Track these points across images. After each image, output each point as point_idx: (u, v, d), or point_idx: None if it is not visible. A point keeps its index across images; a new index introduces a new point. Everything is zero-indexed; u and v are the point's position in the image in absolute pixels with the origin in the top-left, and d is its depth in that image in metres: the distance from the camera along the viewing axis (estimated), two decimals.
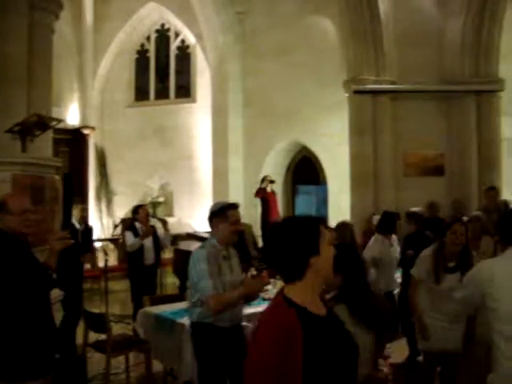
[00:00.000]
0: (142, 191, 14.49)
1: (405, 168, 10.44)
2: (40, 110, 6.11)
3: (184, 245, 8.77)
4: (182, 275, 7.49)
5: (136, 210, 7.25)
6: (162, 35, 15.55)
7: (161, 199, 14.66)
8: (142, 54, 15.66)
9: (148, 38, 15.65)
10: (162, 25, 15.49)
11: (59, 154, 12.11)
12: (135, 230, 7.02)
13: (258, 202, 11.65)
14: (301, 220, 2.06)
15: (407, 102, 10.31)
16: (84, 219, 7.38)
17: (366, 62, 10.24)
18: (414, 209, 6.96)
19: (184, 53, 15.32)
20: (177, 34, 15.35)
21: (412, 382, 4.95)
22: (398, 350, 5.38)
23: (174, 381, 5.04)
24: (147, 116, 14.98)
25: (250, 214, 11.86)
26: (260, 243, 11.07)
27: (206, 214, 3.94)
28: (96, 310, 6.38)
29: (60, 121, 6.24)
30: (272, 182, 11.53)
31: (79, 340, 5.67)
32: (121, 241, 7.27)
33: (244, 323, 4.06)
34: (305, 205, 13.42)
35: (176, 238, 10.48)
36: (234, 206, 3.90)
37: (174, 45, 15.42)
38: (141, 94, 15.60)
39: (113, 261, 10.58)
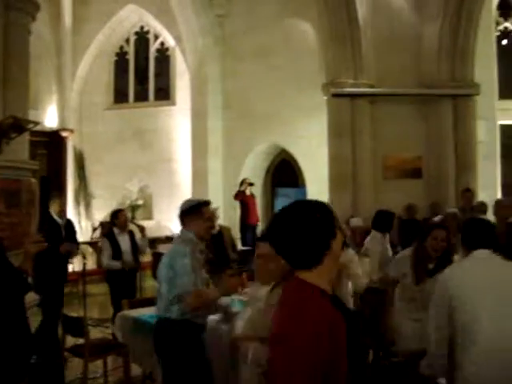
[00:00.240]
0: (121, 194, 14.39)
1: (383, 170, 10.52)
2: (16, 112, 6.05)
3: (163, 248, 8.74)
4: None
5: (115, 214, 7.12)
6: (142, 37, 15.48)
7: (140, 202, 14.58)
8: (121, 56, 15.57)
9: (127, 40, 15.57)
10: (142, 27, 15.42)
11: (37, 156, 11.97)
12: (113, 236, 6.94)
13: (237, 204, 11.66)
14: (316, 203, 1.93)
15: (385, 105, 10.40)
16: (63, 213, 7.26)
17: (345, 66, 10.30)
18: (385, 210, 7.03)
19: (163, 55, 15.26)
20: (156, 37, 15.30)
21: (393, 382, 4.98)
22: None
23: None
24: (126, 118, 14.89)
25: (230, 217, 11.88)
26: (239, 246, 11.06)
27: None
28: (74, 314, 6.32)
29: (37, 123, 6.20)
30: (251, 184, 11.55)
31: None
32: (100, 244, 7.20)
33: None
34: None
35: (155, 242, 10.45)
36: (207, 203, 3.95)
37: (153, 47, 15.36)
38: (120, 96, 15.51)
39: (91, 264, 10.50)
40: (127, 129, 14.74)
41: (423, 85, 10.45)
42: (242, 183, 11.50)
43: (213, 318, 4.10)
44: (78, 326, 5.04)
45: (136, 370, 5.16)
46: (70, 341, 5.31)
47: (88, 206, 14.86)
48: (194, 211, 3.84)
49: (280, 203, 13.48)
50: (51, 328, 6.06)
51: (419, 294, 4.21)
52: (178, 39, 14.26)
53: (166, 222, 13.83)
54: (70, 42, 14.59)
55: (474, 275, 3.06)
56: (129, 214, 9.47)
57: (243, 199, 11.39)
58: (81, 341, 5.15)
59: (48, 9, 13.04)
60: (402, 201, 9.44)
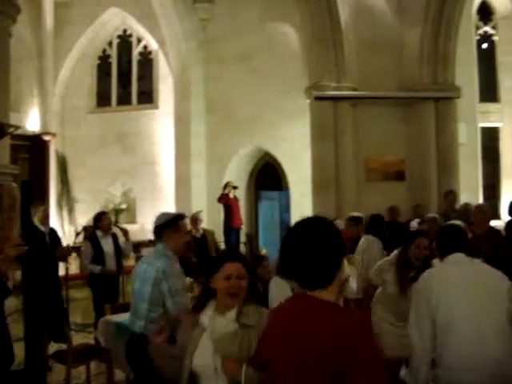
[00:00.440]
0: (104, 198, 14.32)
1: (366, 173, 10.57)
2: None
3: (146, 251, 8.69)
4: None
5: (99, 217, 7.06)
6: (124, 41, 15.42)
7: (123, 206, 14.51)
8: (104, 59, 15.49)
9: (110, 44, 15.49)
10: (124, 30, 15.36)
11: (18, 161, 11.88)
12: (96, 239, 6.89)
13: (220, 207, 11.65)
14: (325, 220, 1.97)
15: (368, 108, 10.47)
16: (46, 220, 7.20)
17: (328, 69, 10.35)
18: (355, 213, 7.05)
19: (146, 59, 15.22)
20: (139, 40, 15.24)
21: None
22: None
23: None
24: (109, 122, 14.81)
25: (213, 220, 11.85)
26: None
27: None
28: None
29: (17, 127, 6.15)
30: (235, 187, 11.54)
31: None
32: (82, 248, 7.14)
33: None
34: (268, 210, 13.48)
35: (138, 246, 10.37)
36: (183, 217, 3.83)
37: (136, 50, 15.31)
38: (102, 99, 15.42)
39: (74, 269, 10.38)
40: (110, 132, 14.66)
41: (405, 88, 10.54)
42: (225, 186, 11.48)
43: None
44: (60, 332, 4.99)
45: (119, 375, 5.12)
46: (53, 347, 5.26)
47: (71, 210, 14.75)
48: (171, 225, 3.72)
49: (264, 206, 13.52)
50: (36, 334, 5.99)
51: (402, 302, 4.17)
52: (161, 43, 14.23)
53: (150, 225, 13.69)
54: (52, 44, 14.50)
55: (449, 277, 3.13)
56: (112, 218, 9.40)
57: (227, 202, 11.38)
58: (64, 346, 5.11)
59: (29, 11, 12.94)
60: (385, 203, 9.51)
